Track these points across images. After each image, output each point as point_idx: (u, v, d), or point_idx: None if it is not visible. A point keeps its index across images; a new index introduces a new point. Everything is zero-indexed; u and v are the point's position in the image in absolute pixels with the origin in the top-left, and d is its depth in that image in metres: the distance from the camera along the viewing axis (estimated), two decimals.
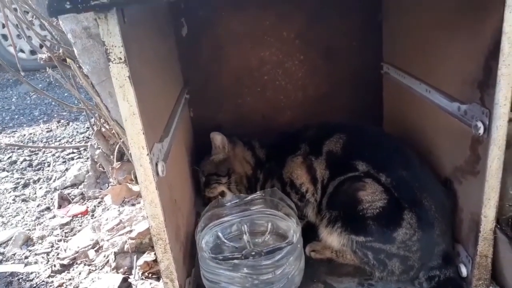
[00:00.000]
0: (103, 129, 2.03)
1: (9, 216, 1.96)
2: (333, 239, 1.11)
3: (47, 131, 2.86)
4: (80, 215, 1.91)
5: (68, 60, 1.75)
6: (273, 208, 1.20)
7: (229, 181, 1.40)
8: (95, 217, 1.88)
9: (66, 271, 1.59)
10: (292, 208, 1.17)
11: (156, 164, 0.91)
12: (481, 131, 0.89)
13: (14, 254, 1.69)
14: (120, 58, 0.80)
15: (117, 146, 2.00)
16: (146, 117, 0.88)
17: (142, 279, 1.47)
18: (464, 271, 1.01)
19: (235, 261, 1.02)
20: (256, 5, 1.45)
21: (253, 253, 1.10)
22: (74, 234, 1.79)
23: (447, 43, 1.04)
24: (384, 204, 1.02)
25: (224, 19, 1.47)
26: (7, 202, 2.07)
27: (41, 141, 2.72)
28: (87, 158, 2.37)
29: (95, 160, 2.10)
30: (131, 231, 1.64)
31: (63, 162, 2.41)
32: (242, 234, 1.19)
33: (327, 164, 1.17)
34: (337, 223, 1.09)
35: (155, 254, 1.55)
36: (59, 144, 2.64)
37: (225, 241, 1.18)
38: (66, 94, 3.46)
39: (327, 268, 1.14)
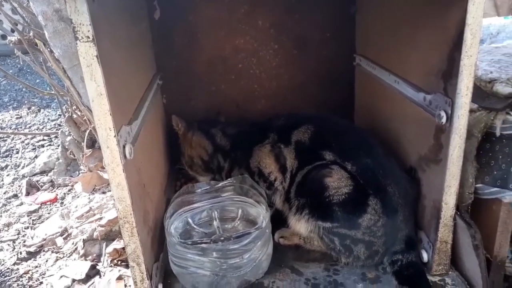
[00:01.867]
0: (74, 116, 1.99)
1: None
2: (301, 226, 1.12)
3: (17, 118, 2.78)
4: (49, 203, 1.87)
5: (38, 42, 1.69)
6: (243, 195, 1.20)
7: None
8: (64, 205, 1.84)
9: (32, 259, 1.56)
10: (261, 194, 1.17)
11: (124, 147, 0.89)
12: (444, 120, 0.92)
13: None
14: (88, 37, 0.79)
15: (88, 133, 1.96)
16: (114, 99, 0.86)
17: (111, 266, 1.46)
18: (425, 256, 1.05)
19: (204, 245, 1.02)
20: None
21: (222, 238, 1.11)
22: (42, 222, 1.75)
23: (415, 35, 1.06)
24: (350, 190, 1.04)
25: (199, 5, 1.45)
26: None
27: (10, 128, 2.63)
28: (58, 146, 2.31)
29: (66, 147, 2.05)
30: (101, 218, 1.62)
31: (33, 149, 2.35)
32: (212, 220, 1.19)
33: (296, 154, 1.19)
34: (305, 210, 1.11)
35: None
36: (29, 131, 2.57)
37: (195, 226, 1.18)
38: (38, 81, 3.37)
39: (295, 254, 1.16)
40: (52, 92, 2.04)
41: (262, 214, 1.12)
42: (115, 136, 0.85)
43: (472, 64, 0.87)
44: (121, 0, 1.08)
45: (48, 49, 1.82)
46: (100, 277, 1.41)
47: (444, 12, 0.92)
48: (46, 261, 1.54)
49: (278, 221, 1.21)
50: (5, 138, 2.47)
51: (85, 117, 1.93)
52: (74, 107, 1.96)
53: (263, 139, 1.26)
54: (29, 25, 1.91)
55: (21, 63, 3.37)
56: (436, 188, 0.98)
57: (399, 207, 1.03)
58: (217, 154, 1.40)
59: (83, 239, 1.54)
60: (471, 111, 1.00)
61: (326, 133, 1.20)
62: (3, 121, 2.73)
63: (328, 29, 1.51)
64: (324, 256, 1.13)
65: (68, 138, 2.01)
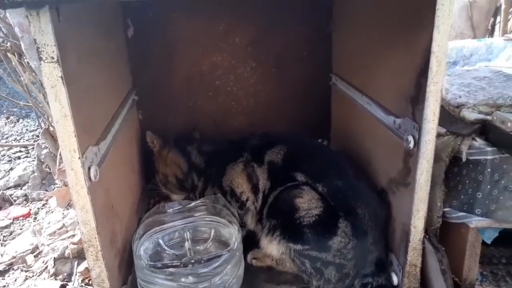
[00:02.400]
0: (51, 128, 1.95)
1: None
2: (272, 247, 1.11)
3: None
4: (21, 218, 1.82)
5: (9, 54, 1.67)
6: (216, 215, 1.19)
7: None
8: (37, 220, 1.80)
9: (1, 277, 1.51)
10: (234, 215, 1.16)
11: (89, 168, 0.88)
12: (412, 144, 0.92)
13: None
14: (52, 58, 0.78)
15: None
16: (80, 119, 0.85)
17: (82, 286, 1.42)
18: (395, 279, 1.04)
19: (172, 269, 1.00)
20: (208, 9, 1.44)
21: (193, 261, 1.09)
22: (14, 238, 1.70)
23: (386, 58, 1.08)
24: (320, 212, 1.03)
25: (175, 21, 1.45)
26: None
27: None
28: (34, 158, 2.27)
29: (42, 160, 2.01)
30: (73, 235, 1.58)
31: (9, 161, 2.30)
32: (184, 241, 1.18)
33: (268, 174, 1.18)
34: (276, 232, 1.10)
35: None
36: (6, 142, 2.51)
37: (166, 248, 1.16)
38: (17, 91, 3.30)
39: (267, 276, 1.15)
40: (29, 104, 2.00)
41: (234, 235, 1.11)
42: (79, 158, 0.84)
43: (438, 90, 0.88)
44: (92, 17, 1.07)
45: (26, 60, 1.79)
46: None
47: (412, 38, 0.93)
48: (15, 280, 1.49)
49: (251, 241, 1.19)
50: None
51: None
52: (51, 119, 1.93)
53: (237, 158, 1.25)
54: (7, 36, 1.88)
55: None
56: (405, 211, 0.99)
57: (369, 230, 1.03)
58: (192, 173, 1.38)
59: (54, 257, 1.50)
60: (440, 135, 1.01)
61: (299, 154, 1.20)
62: None
63: (305, 47, 1.53)
64: (296, 279, 1.12)
65: (44, 151, 1.97)
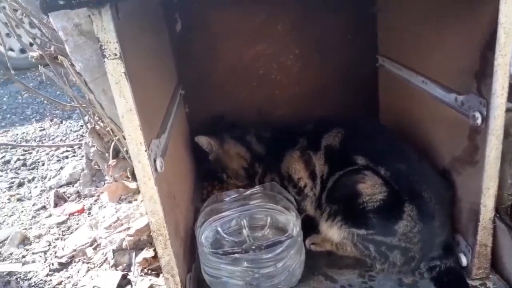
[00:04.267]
0: (97, 127, 2.01)
1: (5, 215, 1.94)
2: (333, 232, 1.11)
3: (40, 130, 2.83)
4: (76, 214, 1.89)
5: (60, 57, 1.72)
6: (272, 202, 1.19)
7: (226, 176, 1.45)
8: (91, 215, 1.86)
9: (64, 269, 1.58)
10: (291, 201, 1.16)
11: (155, 160, 0.90)
12: (479, 121, 0.89)
13: (11, 254, 1.67)
14: (116, 54, 0.79)
15: (113, 144, 1.98)
16: (143, 113, 0.87)
17: (142, 275, 1.47)
18: (464, 260, 1.02)
19: (236, 255, 1.01)
20: (249, 0, 1.44)
21: (253, 247, 1.10)
22: (71, 233, 1.77)
23: (443, 34, 1.04)
24: (384, 196, 1.02)
25: (218, 14, 1.45)
26: (2, 202, 2.05)
27: (34, 140, 2.69)
28: (82, 156, 2.35)
29: (90, 158, 2.08)
30: (129, 228, 1.63)
31: (58, 160, 2.39)
32: (242, 229, 1.19)
33: (325, 159, 1.17)
34: (337, 217, 1.09)
35: (154, 250, 1.55)
36: (53, 143, 2.61)
37: (225, 235, 1.18)
38: (58, 93, 3.42)
39: (327, 261, 1.15)
40: (75, 104, 2.07)
41: (292, 221, 1.11)
42: (146, 150, 0.86)
43: (507, 63, 0.84)
44: (143, 14, 1.09)
45: (70, 63, 1.85)
46: (131, 286, 1.43)
47: (473, 12, 0.89)
48: (78, 271, 1.56)
49: (308, 227, 1.19)
50: (30, 151, 2.52)
51: (108, 128, 1.96)
52: (97, 118, 1.99)
53: (294, 144, 1.25)
54: (50, 40, 1.94)
55: (41, 76, 3.44)
56: (473, 191, 0.96)
57: (436, 213, 1.01)
58: (254, 160, 1.40)
59: (113, 249, 1.55)
60: (507, 110, 0.97)
61: (357, 137, 1.19)
62: (27, 133, 2.79)
63: (349, 30, 1.50)
64: (357, 262, 1.12)
65: (92, 149, 2.03)
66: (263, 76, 1.53)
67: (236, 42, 1.48)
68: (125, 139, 0.93)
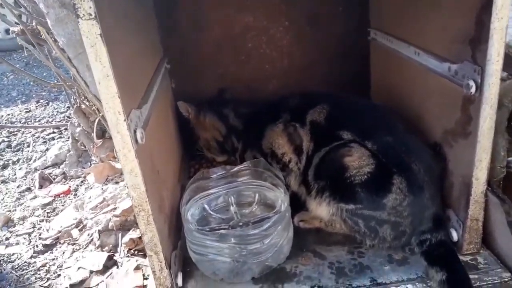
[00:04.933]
0: (83, 106, 1.96)
1: None
2: (322, 209, 1.08)
3: (26, 112, 2.76)
4: (62, 195, 1.85)
5: (40, 29, 1.65)
6: (259, 179, 1.16)
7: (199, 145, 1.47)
8: (78, 197, 1.82)
9: (49, 251, 1.54)
10: (279, 177, 1.13)
11: (135, 131, 0.85)
12: (473, 90, 0.86)
13: None
14: (90, 14, 0.74)
15: (96, 122, 1.93)
16: (121, 81, 0.82)
17: (128, 256, 1.44)
18: (455, 235, 1.00)
19: (222, 231, 0.98)
20: None
21: (241, 223, 1.07)
22: (57, 214, 1.74)
23: (435, 2, 0.99)
24: (372, 169, 0.99)
25: None
26: None
27: (20, 122, 2.62)
28: (68, 138, 2.30)
29: (76, 138, 2.03)
30: (115, 208, 1.59)
31: (43, 142, 2.34)
32: (229, 206, 1.16)
33: (311, 135, 1.14)
34: (325, 193, 1.06)
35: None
36: (39, 124, 2.55)
37: (212, 213, 1.15)
38: (45, 74, 3.35)
39: (316, 238, 1.12)
40: (60, 83, 2.00)
41: (280, 197, 1.08)
42: (124, 120, 0.81)
43: (503, 27, 0.81)
44: None
45: (52, 38, 1.78)
46: (117, 267, 1.40)
47: None
48: (63, 253, 1.53)
49: (295, 204, 1.16)
50: (15, 132, 2.46)
51: (93, 107, 1.90)
52: (82, 97, 1.93)
53: (276, 119, 1.21)
54: (31, 14, 1.86)
55: (27, 57, 3.36)
56: (465, 163, 0.93)
57: (425, 185, 0.98)
58: (231, 135, 1.37)
59: (99, 230, 1.52)
60: (501, 79, 0.94)
61: (343, 112, 1.15)
62: (12, 115, 2.72)
63: (340, 2, 1.44)
64: (347, 239, 1.09)
65: (78, 129, 1.98)
66: (251, 49, 1.48)
67: (224, 13, 1.42)
68: None
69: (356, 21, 1.45)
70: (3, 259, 1.51)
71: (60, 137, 2.36)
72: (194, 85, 1.51)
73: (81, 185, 1.90)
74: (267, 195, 1.16)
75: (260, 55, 1.48)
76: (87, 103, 1.92)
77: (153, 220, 0.90)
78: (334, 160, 1.05)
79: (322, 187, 1.07)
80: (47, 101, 2.88)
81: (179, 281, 0.99)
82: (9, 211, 1.78)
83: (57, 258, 1.50)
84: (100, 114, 1.72)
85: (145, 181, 0.87)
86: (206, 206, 1.16)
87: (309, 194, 1.12)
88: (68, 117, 2.61)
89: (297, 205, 1.16)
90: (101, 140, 1.91)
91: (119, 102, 0.80)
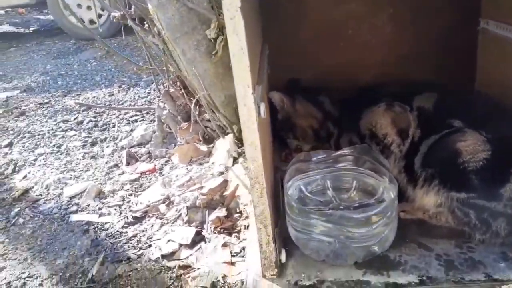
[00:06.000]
0: (171, 90, 2.05)
1: (80, 171, 2.03)
2: (429, 199, 1.04)
3: (109, 95, 2.94)
4: (148, 173, 1.94)
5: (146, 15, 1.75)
6: (361, 166, 1.15)
7: (292, 136, 1.44)
8: (163, 175, 1.90)
9: (138, 223, 1.62)
10: (384, 165, 1.11)
11: (258, 105, 0.88)
12: None
13: (88, 205, 1.75)
14: None
15: (183, 107, 2.02)
16: (250, 57, 0.84)
17: (215, 233, 1.48)
18: None
19: (332, 211, 0.98)
20: None
21: (341, 207, 1.06)
22: (144, 190, 1.82)
23: None
24: (488, 155, 0.93)
25: None
26: (77, 158, 2.15)
27: (104, 104, 2.79)
28: (151, 121, 2.42)
29: (162, 120, 2.12)
30: (202, 187, 1.65)
31: (127, 123, 2.47)
32: (325, 190, 1.16)
33: (418, 121, 1.10)
34: (434, 181, 1.02)
35: (226, 210, 1.56)
36: (122, 106, 2.70)
37: (308, 194, 1.15)
38: (124, 62, 3.53)
39: (420, 229, 1.09)
40: (151, 67, 2.11)
41: (383, 185, 1.06)
42: (252, 93, 0.84)
43: None
44: None
45: (149, 23, 1.87)
46: (205, 243, 1.44)
47: None
48: (152, 226, 1.60)
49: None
50: (101, 113, 2.63)
51: (181, 91, 1.98)
52: (171, 81, 2.02)
53: (376, 102, 1.18)
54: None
55: (108, 47, 3.57)
56: None
57: None
58: (327, 121, 1.36)
59: (187, 207, 1.58)
60: None
61: (452, 101, 1.10)
62: (97, 98, 2.91)
63: None
64: (453, 232, 1.05)
65: (165, 112, 2.07)
66: (352, 37, 1.46)
67: (325, 0, 1.41)
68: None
69: (464, 10, 1.38)
70: (97, 227, 1.62)
71: (143, 120, 2.48)
72: (289, 72, 1.51)
73: (165, 165, 1.98)
74: (367, 182, 1.14)
75: (360, 43, 1.46)
76: (176, 87, 2.00)
77: (266, 193, 0.92)
78: (445, 146, 1.01)
79: (431, 175, 1.03)
80: (128, 86, 3.05)
81: (283, 257, 1.01)
82: (100, 184, 1.89)
83: (146, 230, 1.58)
84: (197, 95, 1.76)
85: (262, 154, 0.89)
86: (302, 187, 1.17)
87: (414, 183, 1.09)
88: (149, 101, 2.75)
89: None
90: (186, 123, 1.99)
91: (249, 76, 0.83)
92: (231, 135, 1.82)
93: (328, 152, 1.18)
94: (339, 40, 1.47)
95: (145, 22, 1.92)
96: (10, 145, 2.36)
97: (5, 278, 1.39)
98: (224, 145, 1.82)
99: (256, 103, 0.87)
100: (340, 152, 1.17)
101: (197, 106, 1.93)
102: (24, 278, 1.38)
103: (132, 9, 1.98)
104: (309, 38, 1.48)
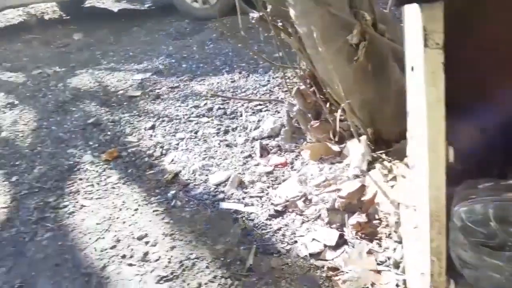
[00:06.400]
0: (302, 87, 2.13)
1: (219, 158, 2.24)
2: None
3: (231, 82, 3.11)
4: (280, 166, 2.09)
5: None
6: None
7: None
8: (295, 170, 2.03)
9: (280, 217, 1.77)
10: None
11: (448, 151, 0.92)
12: None
13: (232, 194, 1.94)
14: (438, 44, 0.82)
15: (314, 104, 2.10)
16: None
17: (357, 238, 1.58)
18: None
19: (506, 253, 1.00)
20: None
21: (510, 243, 1.07)
22: (279, 183, 1.97)
23: None
24: None
25: None
26: (214, 146, 2.35)
27: (228, 91, 2.98)
28: (275, 112, 2.55)
29: (291, 116, 2.24)
30: (339, 190, 1.74)
31: (253, 113, 2.62)
32: (488, 220, 1.16)
33: None
34: None
35: (366, 216, 1.63)
36: (245, 95, 2.86)
37: (469, 224, 1.17)
38: (239, 45, 3.66)
39: None
40: (286, 65, 2.21)
41: None
42: (444, 141, 0.88)
43: None
44: None
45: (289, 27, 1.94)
46: (349, 247, 1.55)
47: None
48: (293, 221, 1.74)
49: None
50: (227, 101, 2.82)
51: (313, 88, 2.05)
52: (303, 81, 2.09)
53: None
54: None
55: (222, 28, 3.72)
56: None
57: None
58: None
59: (326, 208, 1.69)
60: None
61: None
62: (220, 84, 3.11)
63: None
64: None
65: (295, 108, 2.18)
66: None
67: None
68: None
69: None
70: (244, 217, 1.80)
71: (267, 110, 2.62)
72: None
73: (296, 159, 2.11)
74: None
75: None
76: (306, 85, 2.08)
77: (444, 232, 0.97)
78: None
79: None
80: (247, 72, 3.20)
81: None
82: (239, 173, 2.08)
83: (288, 225, 1.73)
84: (342, 105, 1.82)
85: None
86: (463, 215, 1.18)
87: None
88: (270, 90, 2.87)
89: None
90: (317, 121, 2.07)
91: (444, 125, 0.87)
92: (364, 137, 1.87)
93: (497, 181, 1.17)
94: None
95: (279, 21, 2.00)
96: (153, 127, 2.65)
97: (177, 257, 1.65)
98: (356, 147, 1.88)
99: (447, 149, 0.91)
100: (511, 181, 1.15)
101: (328, 105, 2.00)
102: (193, 259, 1.62)
103: (268, 9, 2.06)
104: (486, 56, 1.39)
